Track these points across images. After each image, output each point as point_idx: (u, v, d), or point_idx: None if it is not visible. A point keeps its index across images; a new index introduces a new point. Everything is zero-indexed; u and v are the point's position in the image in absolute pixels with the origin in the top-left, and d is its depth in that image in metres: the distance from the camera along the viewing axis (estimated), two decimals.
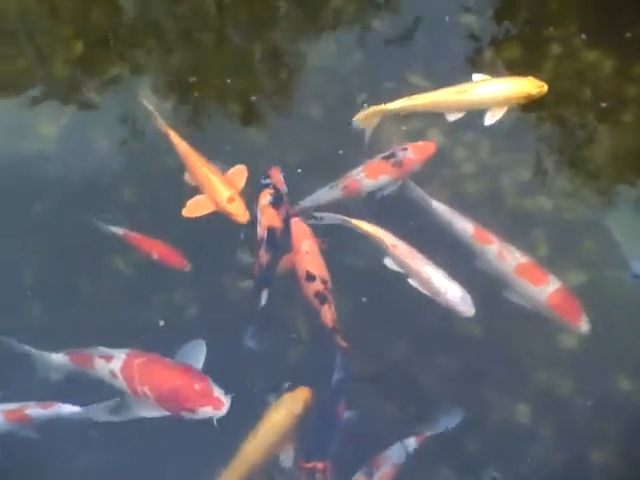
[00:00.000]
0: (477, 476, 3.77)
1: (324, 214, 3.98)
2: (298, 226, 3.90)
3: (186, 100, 4.52)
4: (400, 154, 4.04)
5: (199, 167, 4.02)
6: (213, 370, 3.64)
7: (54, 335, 3.91)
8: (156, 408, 3.58)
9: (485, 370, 3.91)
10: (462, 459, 3.79)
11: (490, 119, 4.08)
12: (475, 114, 4.22)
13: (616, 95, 4.34)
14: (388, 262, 3.89)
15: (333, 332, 3.70)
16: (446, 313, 3.78)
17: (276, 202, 3.95)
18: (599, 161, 4.30)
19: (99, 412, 3.65)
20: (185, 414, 3.54)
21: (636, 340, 3.91)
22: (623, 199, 4.23)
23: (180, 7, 4.74)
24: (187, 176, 4.08)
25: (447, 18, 4.57)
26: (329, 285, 3.79)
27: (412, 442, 3.71)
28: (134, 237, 4.05)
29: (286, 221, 3.93)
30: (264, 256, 3.84)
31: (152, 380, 3.58)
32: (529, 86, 4.06)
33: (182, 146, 4.09)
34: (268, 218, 3.91)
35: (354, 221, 3.93)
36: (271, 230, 3.89)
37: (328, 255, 3.87)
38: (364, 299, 3.98)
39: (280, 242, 3.89)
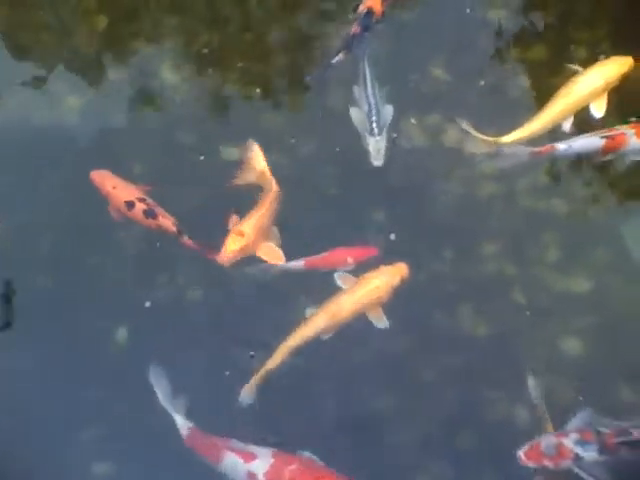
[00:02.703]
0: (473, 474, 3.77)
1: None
2: (97, 175, 4.07)
3: (206, 79, 4.54)
4: None
5: (265, 204, 3.99)
6: None
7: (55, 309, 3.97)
8: None
9: (486, 370, 3.90)
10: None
11: (598, 111, 4.08)
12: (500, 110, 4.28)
13: (638, 101, 4.27)
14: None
15: (179, 234, 3.91)
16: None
17: None
18: (616, 168, 4.24)
19: None
20: None
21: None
22: (638, 207, 4.19)
23: None
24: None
25: (468, 10, 4.53)
26: (149, 200, 4.00)
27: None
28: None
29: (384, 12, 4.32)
30: (356, 28, 4.28)
31: None
32: (621, 66, 4.08)
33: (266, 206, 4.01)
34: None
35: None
36: (370, 11, 4.28)
37: None
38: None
39: (373, 25, 4.35)
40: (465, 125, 4.07)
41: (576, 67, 4.24)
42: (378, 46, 4.48)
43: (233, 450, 3.23)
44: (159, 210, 4.02)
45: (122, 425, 3.78)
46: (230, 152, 4.28)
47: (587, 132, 4.13)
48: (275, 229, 4.00)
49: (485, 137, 4.05)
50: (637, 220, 4.13)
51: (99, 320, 3.97)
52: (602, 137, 4.01)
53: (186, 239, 3.98)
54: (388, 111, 4.08)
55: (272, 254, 3.92)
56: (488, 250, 4.05)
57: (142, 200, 4.02)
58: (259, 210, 3.96)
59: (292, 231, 4.08)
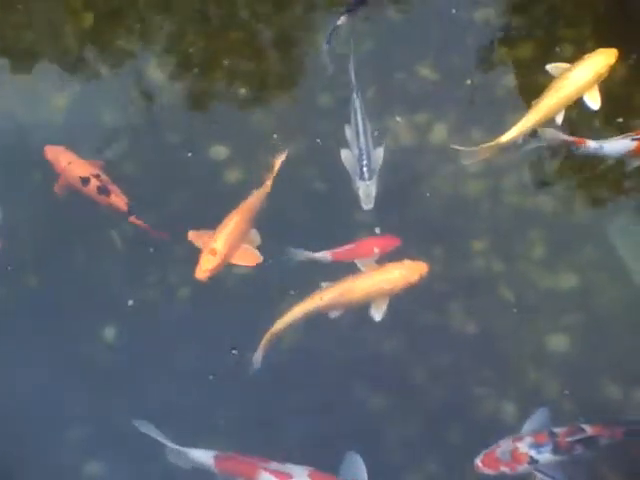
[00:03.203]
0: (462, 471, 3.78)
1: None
2: (51, 151, 4.11)
3: (192, 77, 4.53)
4: None
5: (237, 212, 3.94)
6: None
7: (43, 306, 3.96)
8: None
9: (474, 367, 3.92)
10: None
11: (594, 103, 4.12)
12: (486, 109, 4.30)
13: (625, 100, 4.31)
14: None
15: (128, 213, 3.96)
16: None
17: None
18: (603, 166, 4.26)
19: None
20: None
21: (625, 344, 3.90)
22: (623, 205, 4.22)
23: None
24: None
25: (454, 10, 4.54)
26: (103, 176, 4.02)
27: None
28: None
29: None
30: None
31: None
32: (608, 58, 4.13)
33: (257, 196, 4.01)
34: None
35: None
36: None
37: None
38: None
39: None
40: (456, 146, 4.07)
41: (560, 65, 4.25)
42: (365, 44, 4.51)
43: (268, 470, 3.21)
44: (112, 187, 4.05)
45: (110, 425, 3.78)
46: (218, 150, 4.28)
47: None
48: (254, 231, 3.98)
49: (482, 145, 4.03)
50: (622, 218, 4.17)
51: (86, 319, 3.95)
52: (633, 139, 4.02)
53: (135, 219, 4.00)
54: (379, 154, 4.08)
55: (247, 257, 3.92)
56: (476, 248, 4.08)
57: (97, 177, 4.05)
58: (235, 216, 3.93)
59: (279, 229, 4.09)
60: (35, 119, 4.40)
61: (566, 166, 4.31)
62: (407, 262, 3.85)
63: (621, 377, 3.86)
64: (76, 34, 4.62)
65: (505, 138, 4.01)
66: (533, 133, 4.10)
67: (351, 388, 3.86)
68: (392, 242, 3.98)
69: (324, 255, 3.94)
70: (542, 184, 4.25)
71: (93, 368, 3.89)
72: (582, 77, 4.13)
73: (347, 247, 3.98)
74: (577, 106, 4.20)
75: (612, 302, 3.98)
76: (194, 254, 3.89)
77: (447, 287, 4.00)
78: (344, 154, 4.09)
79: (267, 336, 3.74)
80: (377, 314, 3.84)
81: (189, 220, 4.04)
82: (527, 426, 3.67)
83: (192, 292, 3.99)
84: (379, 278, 3.84)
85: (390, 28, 4.58)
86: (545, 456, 3.56)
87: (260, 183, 4.05)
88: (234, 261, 3.91)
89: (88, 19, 4.62)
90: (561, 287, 3.99)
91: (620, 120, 4.29)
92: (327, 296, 3.79)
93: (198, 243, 3.92)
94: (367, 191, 4.00)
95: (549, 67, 4.25)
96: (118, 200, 4.03)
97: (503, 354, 3.92)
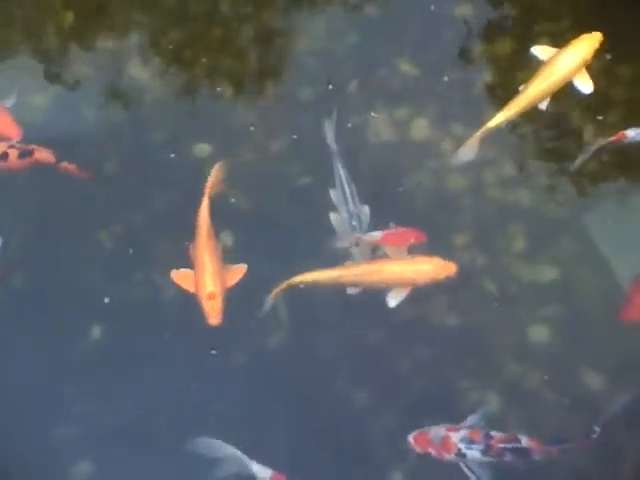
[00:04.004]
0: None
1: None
2: None
3: (175, 75, 4.53)
4: None
5: (202, 247, 3.87)
6: None
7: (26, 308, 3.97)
8: None
9: (457, 360, 3.97)
10: None
11: (586, 86, 4.14)
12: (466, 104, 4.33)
13: (603, 94, 4.35)
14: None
15: (57, 162, 4.00)
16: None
17: None
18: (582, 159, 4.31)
19: None
20: None
21: (605, 336, 3.95)
22: (602, 198, 4.26)
23: None
24: (191, 248, 3.93)
25: (432, 7, 4.57)
26: (18, 145, 4.04)
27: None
28: None
29: None
30: None
31: None
32: (593, 42, 4.15)
33: (203, 216, 3.93)
34: None
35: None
36: None
37: None
38: None
39: None
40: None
41: (545, 47, 4.27)
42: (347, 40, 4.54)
43: None
44: (32, 146, 4.07)
45: (96, 424, 3.81)
46: (201, 148, 4.29)
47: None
48: (219, 245, 3.96)
49: (472, 136, 4.05)
50: (601, 210, 4.21)
51: (72, 319, 3.97)
52: None
53: (66, 165, 4.03)
54: (365, 213, 4.08)
55: (235, 275, 3.89)
56: (458, 241, 4.12)
57: (12, 147, 4.07)
58: (205, 252, 3.85)
59: (261, 227, 4.12)
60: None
61: (546, 160, 4.36)
62: (438, 259, 3.88)
63: (601, 367, 3.91)
64: (56, 33, 4.61)
65: (492, 123, 4.04)
66: (583, 146, 4.17)
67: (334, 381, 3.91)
68: (420, 236, 4.02)
69: (376, 235, 3.96)
70: (523, 178, 4.30)
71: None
72: (569, 63, 4.14)
73: (394, 233, 3.99)
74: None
75: (592, 293, 4.05)
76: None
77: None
78: (333, 217, 4.10)
79: (283, 285, 3.78)
80: (393, 301, 3.85)
81: (174, 219, 4.06)
82: (470, 420, 3.76)
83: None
84: (408, 267, 3.86)
85: (370, 24, 4.60)
86: (473, 453, 3.66)
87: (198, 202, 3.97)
88: (229, 286, 3.87)
89: (68, 18, 4.61)
90: (542, 279, 4.05)
91: (600, 118, 4.36)
92: (353, 270, 3.84)
93: (186, 286, 3.86)
94: (359, 251, 4.00)
95: (534, 49, 4.26)
96: (43, 154, 4.03)
97: (486, 346, 3.98)
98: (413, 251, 3.92)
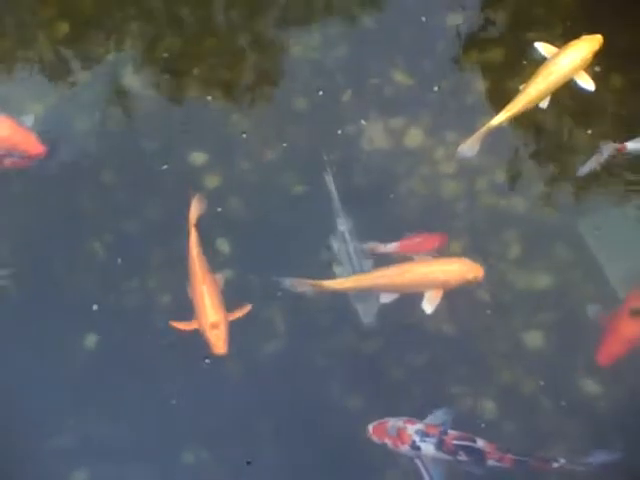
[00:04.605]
0: None
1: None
2: None
3: (169, 83, 4.54)
4: None
5: (199, 279, 3.86)
6: None
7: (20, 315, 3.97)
8: None
9: (451, 366, 3.97)
10: None
11: (587, 85, 4.15)
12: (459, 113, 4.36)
13: (594, 102, 4.38)
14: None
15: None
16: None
17: None
18: (576, 167, 4.33)
19: None
20: None
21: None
22: (596, 205, 4.28)
23: None
24: (189, 288, 3.91)
25: (423, 18, 4.60)
26: None
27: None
28: None
29: None
30: None
31: None
32: (593, 44, 4.16)
33: (193, 249, 3.93)
34: None
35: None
36: None
37: None
38: None
39: None
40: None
41: (547, 45, 4.30)
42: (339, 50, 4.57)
43: None
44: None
45: (93, 431, 3.80)
46: (195, 157, 4.31)
47: None
48: (219, 276, 3.95)
49: (475, 133, 4.05)
50: (595, 217, 4.23)
51: (66, 326, 3.98)
52: None
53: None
54: (368, 267, 4.04)
55: (239, 311, 3.89)
56: (453, 248, 4.13)
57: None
58: (202, 284, 3.84)
59: (256, 235, 4.14)
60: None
61: (540, 167, 4.38)
62: (466, 260, 3.89)
63: (596, 372, 3.92)
64: (51, 43, 4.62)
65: (495, 122, 4.06)
66: (595, 150, 4.17)
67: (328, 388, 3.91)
68: (441, 240, 4.07)
69: (393, 245, 4.01)
70: (517, 185, 4.32)
71: None
72: (569, 62, 4.17)
73: (414, 240, 4.04)
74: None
75: (586, 298, 4.06)
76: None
77: None
78: (338, 271, 4.04)
79: (314, 282, 3.78)
80: (429, 306, 3.83)
81: (168, 229, 4.08)
82: (430, 418, 3.78)
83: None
84: (437, 267, 3.86)
85: (363, 34, 4.63)
86: (427, 447, 3.68)
87: (186, 233, 3.97)
88: (231, 317, 3.85)
89: (63, 27, 4.62)
90: (536, 286, 4.07)
91: (589, 132, 4.40)
92: (385, 273, 3.83)
93: (186, 327, 3.84)
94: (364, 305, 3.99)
95: (537, 45, 4.29)
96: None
97: (480, 351, 3.99)
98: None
